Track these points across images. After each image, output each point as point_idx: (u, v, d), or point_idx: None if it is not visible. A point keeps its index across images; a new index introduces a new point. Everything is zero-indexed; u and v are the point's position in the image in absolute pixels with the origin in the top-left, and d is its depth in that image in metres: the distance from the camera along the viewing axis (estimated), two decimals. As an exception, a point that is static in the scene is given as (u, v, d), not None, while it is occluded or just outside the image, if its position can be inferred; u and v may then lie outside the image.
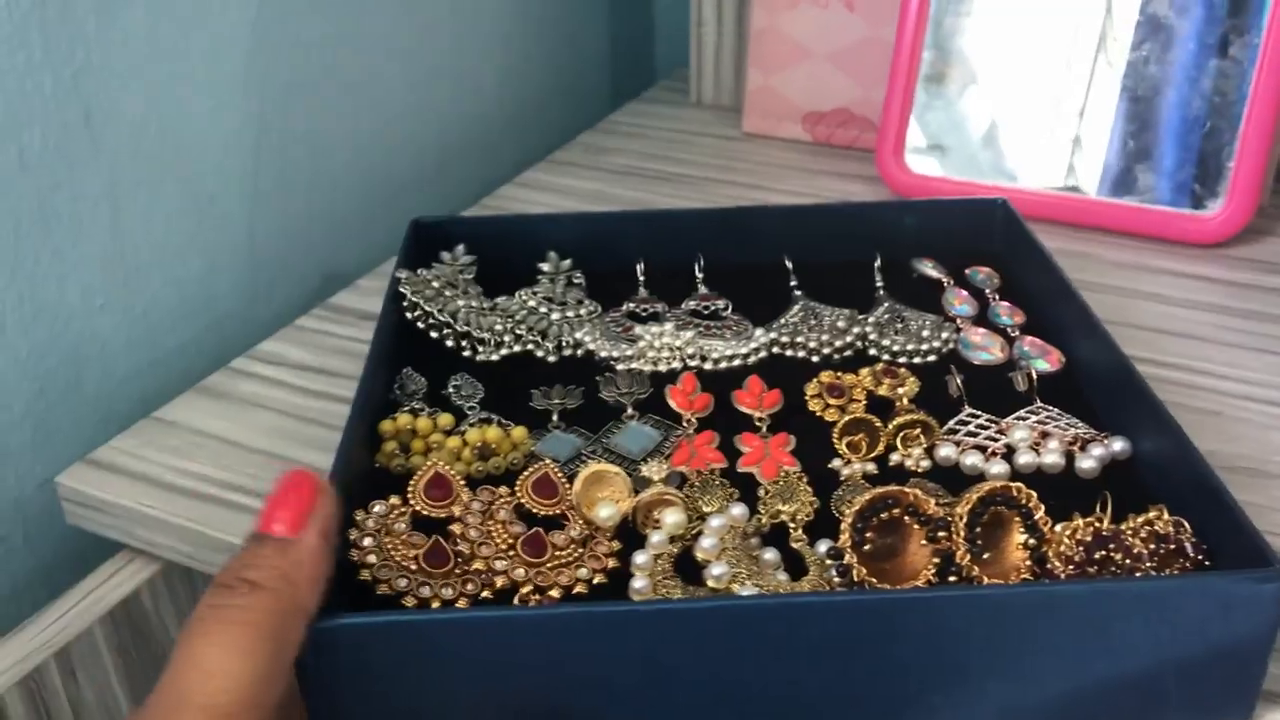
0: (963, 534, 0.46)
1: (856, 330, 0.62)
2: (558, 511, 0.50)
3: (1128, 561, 0.45)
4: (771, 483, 0.51)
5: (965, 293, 0.66)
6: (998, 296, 0.66)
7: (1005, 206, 0.70)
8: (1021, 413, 0.56)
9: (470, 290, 0.64)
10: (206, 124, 0.65)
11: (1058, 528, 0.47)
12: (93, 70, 0.62)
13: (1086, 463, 0.52)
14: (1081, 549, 0.46)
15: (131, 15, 0.63)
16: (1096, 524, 0.46)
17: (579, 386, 0.59)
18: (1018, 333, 0.63)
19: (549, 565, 0.47)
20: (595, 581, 0.47)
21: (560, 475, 0.51)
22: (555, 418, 0.57)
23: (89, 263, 0.65)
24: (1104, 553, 0.46)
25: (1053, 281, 0.63)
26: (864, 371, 0.59)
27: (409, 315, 0.61)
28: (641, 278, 0.68)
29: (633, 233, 0.70)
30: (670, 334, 0.61)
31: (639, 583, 0.46)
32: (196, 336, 0.72)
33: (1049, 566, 0.46)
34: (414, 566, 0.46)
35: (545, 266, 0.67)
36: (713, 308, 0.65)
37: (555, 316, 0.63)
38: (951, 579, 0.46)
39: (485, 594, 0.46)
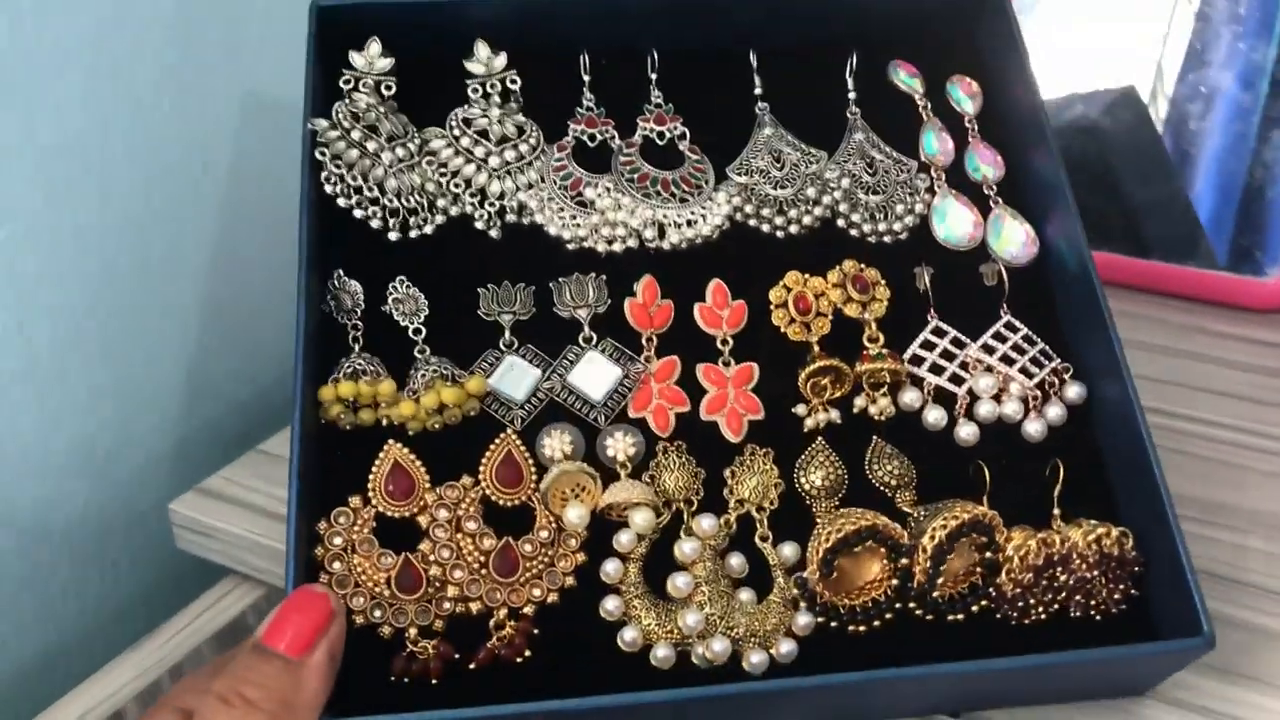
0: (926, 563, 0.48)
1: (826, 200, 0.57)
2: (523, 499, 0.49)
3: (1072, 583, 0.48)
4: (738, 464, 0.51)
5: (943, 130, 0.60)
6: (976, 128, 0.60)
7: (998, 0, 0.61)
8: (988, 337, 0.55)
9: (392, 121, 0.55)
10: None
11: (1009, 548, 0.49)
12: (219, 128, 0.67)
13: (1036, 426, 0.53)
14: (1031, 574, 0.48)
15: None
16: (1046, 545, 0.48)
17: (529, 286, 0.54)
18: (994, 192, 0.58)
19: (521, 580, 0.48)
20: (565, 586, 0.48)
21: (522, 450, 0.50)
22: (507, 333, 0.53)
23: (202, 302, 0.70)
24: (1052, 575, 0.48)
25: (1031, 121, 0.58)
26: (832, 276, 0.55)
27: (329, 189, 0.54)
28: (586, 78, 0.60)
29: (574, 15, 0.59)
30: (623, 207, 0.56)
31: (610, 604, 0.47)
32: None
33: (1000, 584, 0.48)
34: (386, 591, 0.46)
35: (474, 67, 0.58)
36: (669, 135, 0.59)
37: (494, 163, 0.56)
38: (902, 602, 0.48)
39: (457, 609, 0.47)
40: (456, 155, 0.56)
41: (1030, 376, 0.53)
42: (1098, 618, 0.49)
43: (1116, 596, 0.49)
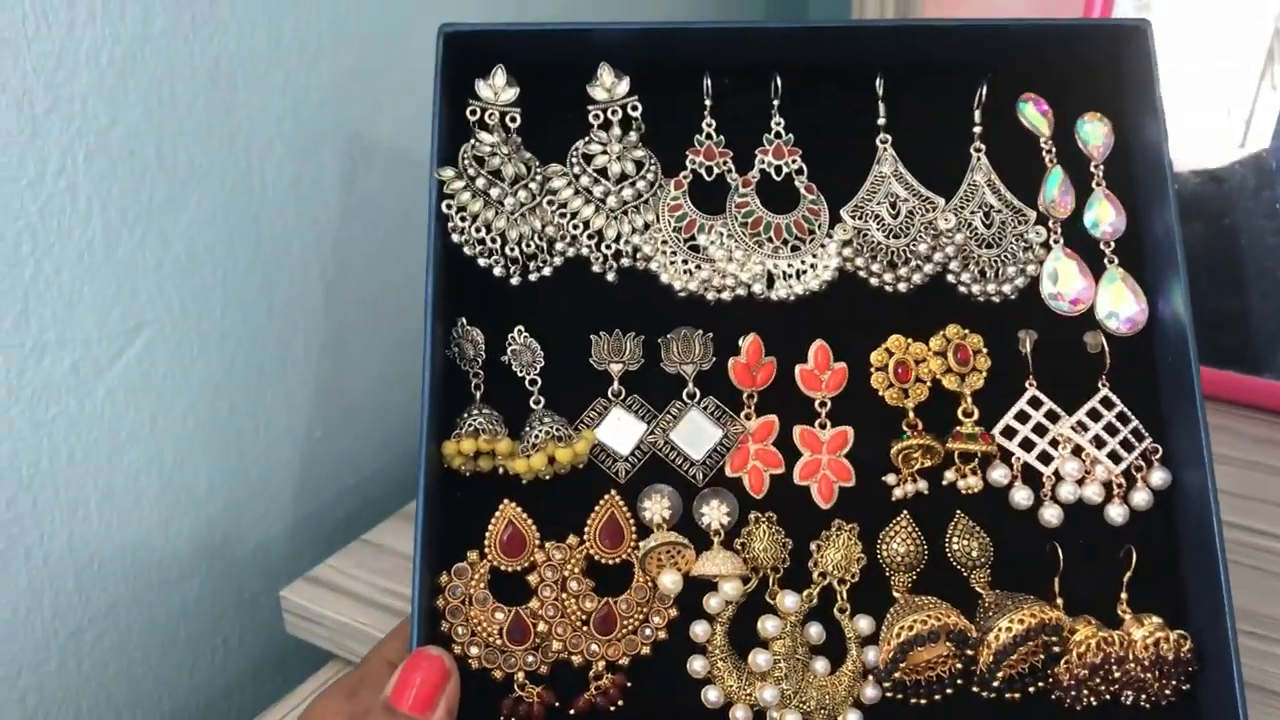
0: (990, 658, 0.51)
1: (938, 257, 0.57)
2: (623, 557, 0.54)
3: (1124, 679, 0.52)
4: (824, 538, 0.54)
5: (1065, 177, 0.59)
6: (1102, 174, 0.59)
7: (1144, 36, 0.58)
8: (1082, 414, 0.56)
9: (515, 163, 0.57)
10: (417, 273, 0.57)
11: (1074, 640, 0.52)
12: (333, 233, 0.74)
13: (1119, 511, 0.55)
14: (1086, 670, 0.52)
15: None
16: (1106, 644, 0.52)
17: (639, 335, 0.57)
18: (1110, 249, 0.58)
19: (618, 636, 0.53)
20: (658, 639, 0.53)
21: (625, 511, 0.54)
22: (616, 383, 0.56)
23: (311, 397, 0.76)
24: (1107, 673, 0.52)
25: (1156, 173, 0.57)
26: (934, 343, 0.57)
27: (455, 239, 0.56)
28: (709, 102, 0.60)
29: (698, 39, 0.59)
30: (734, 260, 0.57)
31: (697, 664, 0.53)
32: (399, 462, 0.81)
33: (1056, 673, 0.52)
34: (498, 641, 0.52)
35: (597, 93, 0.58)
36: (786, 169, 0.59)
37: (613, 203, 0.57)
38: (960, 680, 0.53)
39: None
40: (576, 195, 0.57)
41: (1117, 460, 0.55)
42: (1147, 707, 0.53)
43: (1168, 692, 0.53)
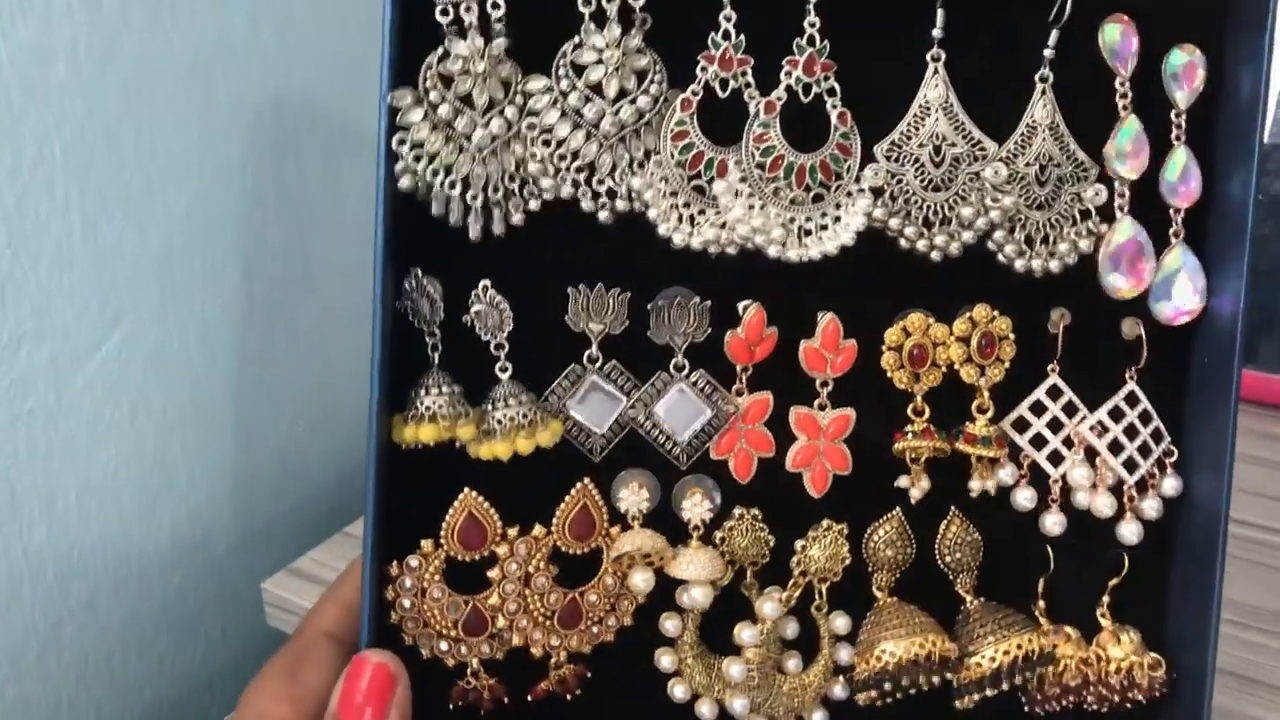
0: (967, 681, 0.50)
1: (981, 224, 0.49)
2: (592, 547, 0.49)
3: (1095, 699, 0.51)
4: (809, 538, 0.50)
5: (1140, 128, 0.49)
6: (1184, 123, 0.50)
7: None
8: (1102, 412, 0.51)
9: (490, 83, 0.45)
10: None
11: (1055, 655, 0.50)
12: (315, 223, 0.73)
13: (1130, 530, 0.51)
14: (1059, 689, 0.51)
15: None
16: (1084, 667, 0.50)
17: (624, 292, 0.48)
18: (1180, 219, 0.50)
19: (581, 628, 0.50)
20: (624, 625, 0.50)
21: (598, 500, 0.49)
22: (594, 347, 0.49)
23: (297, 392, 0.74)
24: (1081, 692, 0.51)
25: (1247, 122, 0.49)
26: (958, 326, 0.50)
27: (405, 183, 0.45)
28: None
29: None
30: (743, 217, 0.48)
31: (665, 660, 0.50)
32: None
33: (1029, 684, 0.51)
34: (453, 632, 0.49)
35: (592, -21, 0.46)
36: (816, 89, 0.48)
37: (608, 126, 0.47)
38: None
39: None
40: (563, 119, 0.47)
41: (1132, 469, 0.51)
42: (1105, 710, 0.53)
43: (1129, 706, 0.52)
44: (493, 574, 0.49)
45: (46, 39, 0.57)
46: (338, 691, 0.45)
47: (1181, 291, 0.50)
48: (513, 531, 0.49)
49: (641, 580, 0.49)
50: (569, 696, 0.51)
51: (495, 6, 0.45)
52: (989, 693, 0.50)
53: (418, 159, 0.45)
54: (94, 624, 0.67)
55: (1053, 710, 0.52)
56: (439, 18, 0.45)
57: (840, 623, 0.51)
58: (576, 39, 0.46)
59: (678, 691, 0.50)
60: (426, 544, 0.48)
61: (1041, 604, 0.51)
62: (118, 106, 0.60)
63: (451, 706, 0.50)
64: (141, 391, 0.65)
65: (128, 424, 0.64)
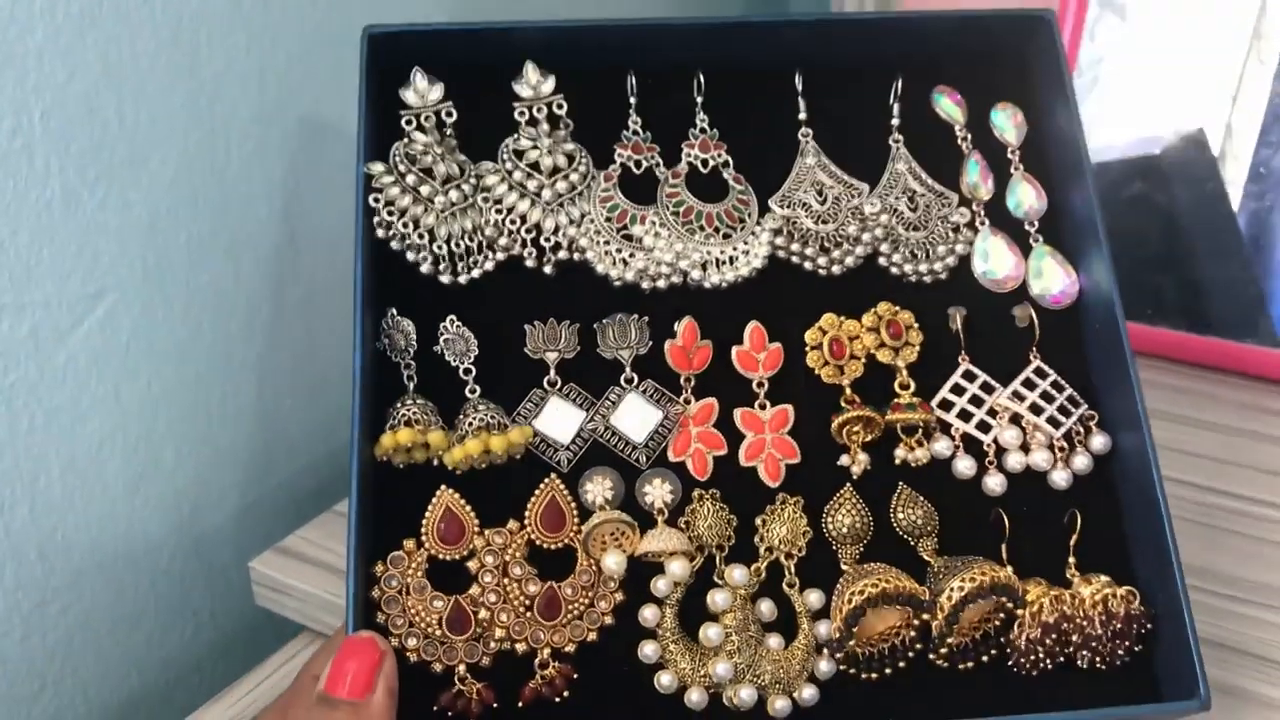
0: (943, 620, 0.51)
1: (867, 238, 0.58)
2: (565, 542, 0.52)
3: (1079, 640, 0.51)
4: (769, 512, 0.54)
5: (983, 162, 0.60)
6: (1019, 159, 0.61)
7: (1049, 24, 0.60)
8: (1017, 384, 0.56)
9: (449, 162, 0.57)
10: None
11: (1028, 599, 0.51)
12: (302, 196, 0.71)
13: (1062, 475, 0.55)
14: (1040, 630, 0.51)
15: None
16: (1058, 603, 0.51)
17: (574, 324, 0.56)
18: (1035, 228, 0.59)
19: (563, 622, 0.51)
20: (605, 625, 0.52)
21: (565, 495, 0.53)
22: (552, 371, 0.56)
23: (284, 368, 0.73)
24: (1061, 632, 0.51)
25: (1073, 156, 0.59)
26: (867, 320, 0.57)
27: (380, 233, 0.55)
28: (633, 100, 0.60)
29: (622, 37, 0.60)
30: (666, 248, 0.57)
31: (648, 649, 0.51)
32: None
33: (1011, 638, 0.51)
34: (438, 631, 0.50)
35: (523, 90, 0.59)
36: (712, 162, 0.60)
37: (547, 196, 0.57)
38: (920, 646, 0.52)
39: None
40: (511, 190, 0.57)
41: (1057, 426, 0.55)
42: (1102, 668, 0.52)
43: (1120, 651, 0.52)
44: (472, 565, 0.51)
45: (23, 2, 0.55)
46: (326, 671, 0.47)
47: (1054, 280, 0.58)
48: (488, 530, 0.52)
49: (614, 562, 0.52)
50: (558, 699, 0.51)
51: (449, 115, 0.58)
52: (964, 631, 0.50)
53: (391, 214, 0.55)
54: (79, 604, 0.64)
55: (1042, 666, 0.51)
56: (403, 125, 0.57)
57: (814, 598, 0.52)
58: (516, 135, 0.58)
59: (664, 680, 0.51)
60: (409, 543, 0.51)
61: (1009, 569, 0.53)
62: (98, 73, 0.59)
63: (438, 711, 0.50)
64: (125, 366, 0.63)
65: (112, 399, 0.63)
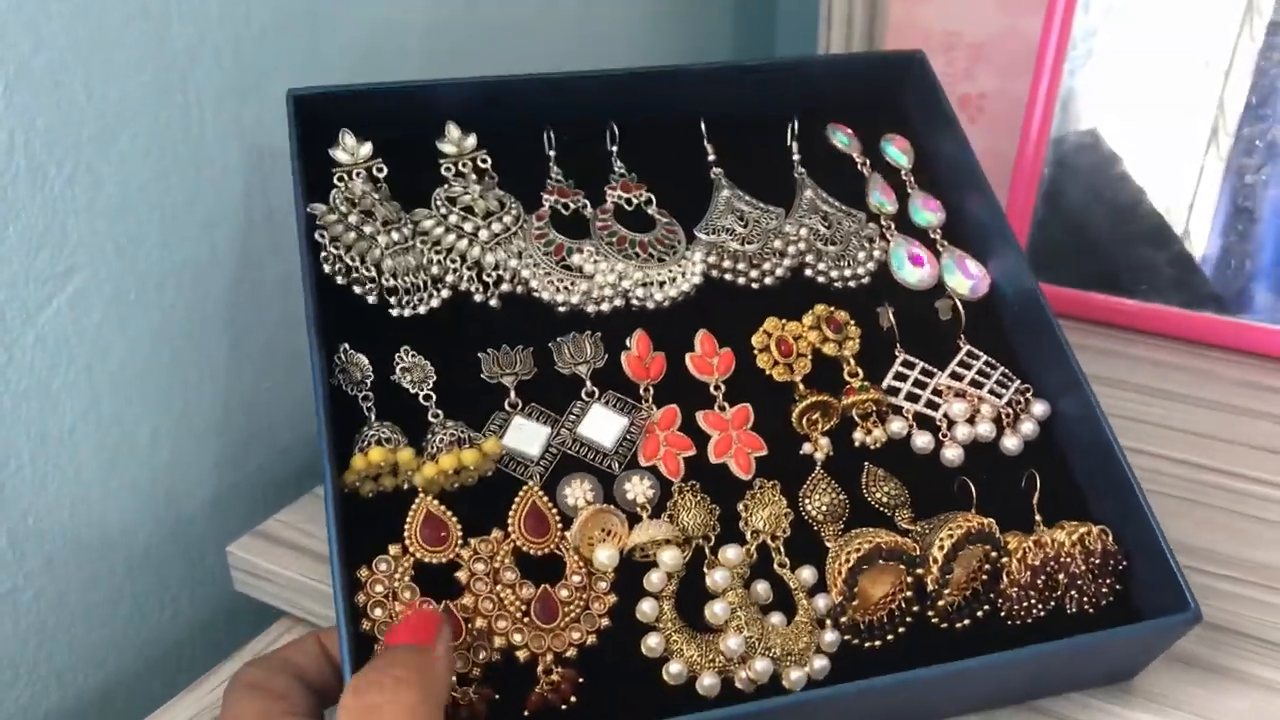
0: (937, 570, 0.51)
1: (792, 251, 0.61)
2: (551, 548, 0.51)
3: (1066, 580, 0.52)
4: (750, 497, 0.54)
5: (883, 183, 0.65)
6: (913, 180, 0.66)
7: (921, 63, 0.67)
8: (954, 365, 0.59)
9: (386, 207, 0.57)
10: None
11: (1011, 547, 0.53)
12: (279, 172, 0.68)
13: (1012, 441, 0.57)
14: (1029, 573, 0.52)
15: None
16: (1040, 546, 0.53)
17: (528, 347, 0.57)
18: (939, 236, 0.64)
19: (561, 625, 0.49)
20: (602, 627, 0.50)
21: (546, 501, 0.52)
22: (512, 394, 0.55)
23: (262, 348, 0.71)
24: (1049, 574, 0.52)
25: (966, 170, 0.64)
26: (807, 320, 0.59)
27: (327, 268, 0.55)
28: (552, 153, 0.63)
29: (536, 94, 0.63)
30: (607, 270, 0.59)
31: (652, 640, 0.49)
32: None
33: (1002, 588, 0.52)
34: (435, 644, 0.47)
35: (447, 147, 0.61)
36: (636, 201, 0.62)
37: (485, 236, 0.58)
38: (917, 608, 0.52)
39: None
40: (448, 232, 0.58)
41: (999, 396, 0.58)
42: (1090, 610, 0.53)
43: (1104, 590, 0.53)
44: (461, 575, 0.49)
45: (-15, -33, 0.53)
46: (387, 634, 0.46)
47: (965, 276, 0.62)
48: (473, 540, 0.50)
49: (606, 557, 0.50)
50: (564, 705, 0.48)
51: (380, 170, 0.59)
52: (955, 590, 0.51)
53: (337, 248, 0.55)
54: (52, 589, 0.61)
55: (1035, 612, 0.52)
56: (335, 181, 0.58)
57: (807, 574, 0.52)
58: (448, 184, 0.60)
59: (673, 669, 0.49)
60: (394, 548, 0.49)
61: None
62: (65, 45, 0.57)
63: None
64: (98, 346, 0.61)
65: (84, 380, 0.61)
